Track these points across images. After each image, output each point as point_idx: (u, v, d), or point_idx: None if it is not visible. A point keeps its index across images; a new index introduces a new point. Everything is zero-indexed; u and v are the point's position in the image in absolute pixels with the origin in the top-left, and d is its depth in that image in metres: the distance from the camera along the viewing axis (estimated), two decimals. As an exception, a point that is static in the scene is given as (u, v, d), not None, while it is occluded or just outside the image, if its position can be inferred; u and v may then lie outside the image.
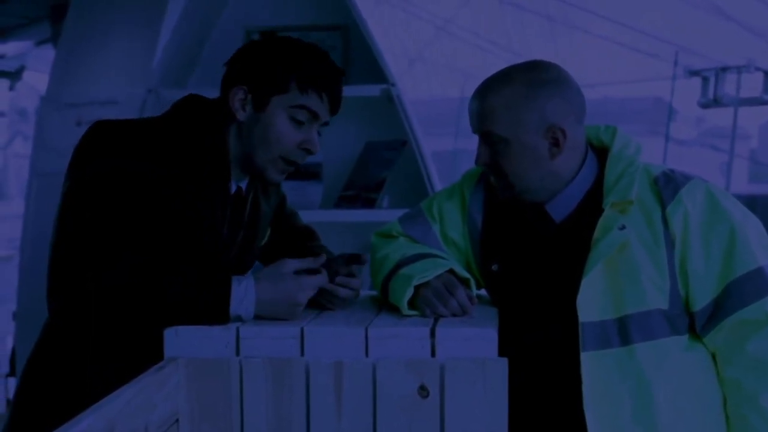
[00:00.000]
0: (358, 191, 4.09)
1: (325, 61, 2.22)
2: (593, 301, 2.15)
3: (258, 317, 2.07)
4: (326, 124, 2.25)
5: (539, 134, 2.19)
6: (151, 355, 1.97)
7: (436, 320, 2.06)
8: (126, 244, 2.05)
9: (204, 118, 2.21)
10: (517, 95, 2.18)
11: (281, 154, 2.21)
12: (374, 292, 2.40)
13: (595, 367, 2.14)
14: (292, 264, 2.10)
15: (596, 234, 2.17)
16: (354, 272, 2.24)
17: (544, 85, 2.19)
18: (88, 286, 2.03)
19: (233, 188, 2.28)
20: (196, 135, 2.18)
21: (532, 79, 2.20)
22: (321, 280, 2.12)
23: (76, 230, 2.06)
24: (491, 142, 2.22)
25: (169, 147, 2.14)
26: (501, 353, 1.94)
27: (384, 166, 4.08)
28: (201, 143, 2.18)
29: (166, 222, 2.11)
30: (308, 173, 4.08)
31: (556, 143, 2.20)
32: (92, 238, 2.04)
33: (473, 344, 1.94)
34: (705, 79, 11.30)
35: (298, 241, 2.53)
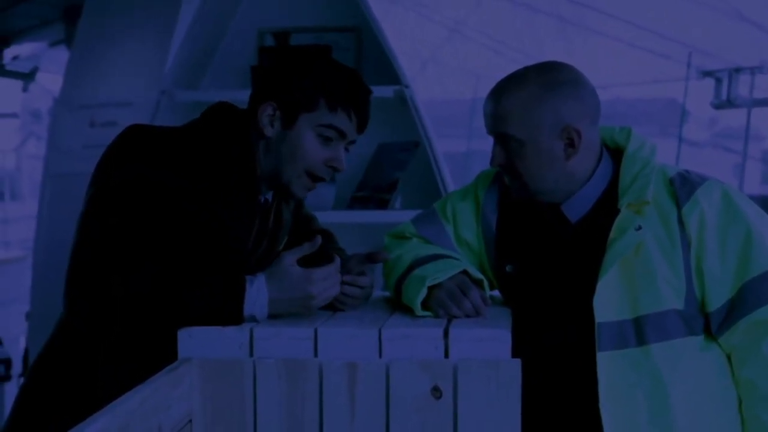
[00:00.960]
0: (371, 192, 4.09)
1: (354, 79, 2.22)
2: (609, 301, 2.15)
3: (274, 316, 2.07)
4: (353, 142, 2.25)
5: (554, 135, 2.18)
6: (164, 355, 1.98)
7: (449, 321, 2.06)
8: (149, 252, 2.05)
9: (233, 129, 2.21)
10: (532, 97, 2.18)
11: (307, 170, 2.21)
12: (387, 293, 2.40)
13: (611, 368, 2.14)
14: (289, 257, 2.09)
15: (612, 234, 2.16)
16: (365, 271, 2.23)
17: (559, 86, 2.19)
18: (111, 291, 2.03)
19: (261, 200, 2.28)
20: (225, 146, 2.18)
21: (546, 80, 2.19)
22: (331, 270, 2.11)
23: (101, 235, 2.06)
24: (506, 143, 2.22)
25: (197, 157, 2.13)
26: (516, 354, 1.94)
27: (397, 167, 4.08)
28: (229, 155, 2.18)
29: (191, 232, 2.11)
30: (321, 175, 4.09)
31: (571, 144, 2.19)
32: (116, 245, 2.04)
33: (487, 345, 1.94)
34: (718, 80, 11.26)
35: None
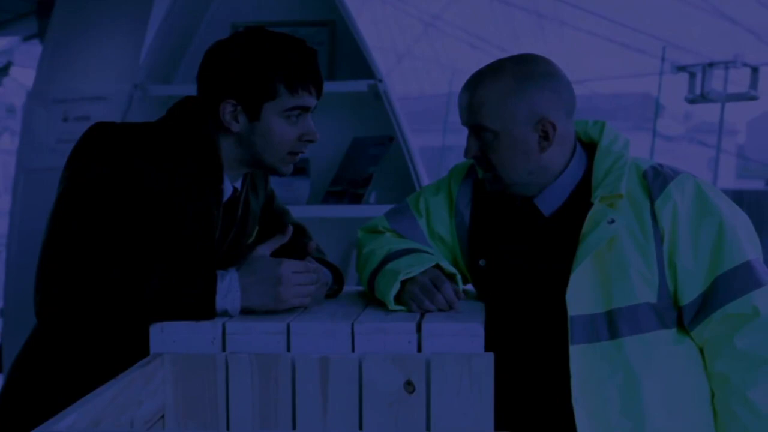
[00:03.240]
0: (346, 187, 4.09)
1: (303, 52, 2.20)
2: (582, 294, 2.15)
3: (249, 311, 2.06)
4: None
5: (529, 127, 2.18)
6: (137, 350, 1.97)
7: (422, 315, 2.06)
8: (117, 251, 2.05)
9: (196, 124, 2.21)
10: (508, 88, 2.18)
11: (287, 151, 2.22)
12: (361, 288, 2.40)
13: (583, 361, 2.15)
14: (263, 248, 2.12)
15: (585, 228, 2.16)
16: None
17: (535, 78, 2.18)
18: (78, 291, 2.02)
19: (230, 189, 2.28)
20: (189, 141, 2.18)
21: (523, 72, 2.19)
22: (300, 266, 2.11)
23: (69, 234, 2.05)
24: (480, 135, 2.21)
25: (163, 153, 2.14)
26: (489, 348, 1.94)
27: (371, 162, 4.08)
28: (193, 148, 2.18)
29: (158, 226, 2.11)
30: (296, 169, 4.08)
31: (545, 136, 2.19)
32: (84, 244, 2.03)
33: (459, 339, 1.94)
34: (692, 75, 11.29)
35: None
